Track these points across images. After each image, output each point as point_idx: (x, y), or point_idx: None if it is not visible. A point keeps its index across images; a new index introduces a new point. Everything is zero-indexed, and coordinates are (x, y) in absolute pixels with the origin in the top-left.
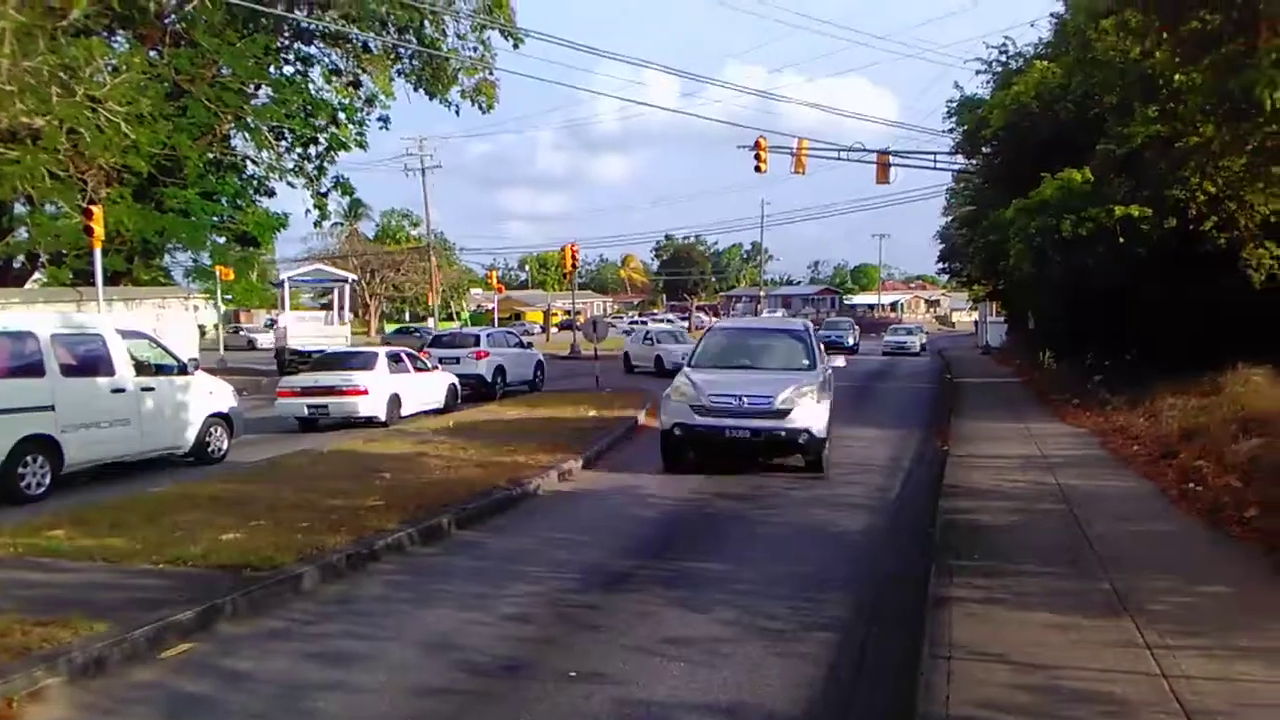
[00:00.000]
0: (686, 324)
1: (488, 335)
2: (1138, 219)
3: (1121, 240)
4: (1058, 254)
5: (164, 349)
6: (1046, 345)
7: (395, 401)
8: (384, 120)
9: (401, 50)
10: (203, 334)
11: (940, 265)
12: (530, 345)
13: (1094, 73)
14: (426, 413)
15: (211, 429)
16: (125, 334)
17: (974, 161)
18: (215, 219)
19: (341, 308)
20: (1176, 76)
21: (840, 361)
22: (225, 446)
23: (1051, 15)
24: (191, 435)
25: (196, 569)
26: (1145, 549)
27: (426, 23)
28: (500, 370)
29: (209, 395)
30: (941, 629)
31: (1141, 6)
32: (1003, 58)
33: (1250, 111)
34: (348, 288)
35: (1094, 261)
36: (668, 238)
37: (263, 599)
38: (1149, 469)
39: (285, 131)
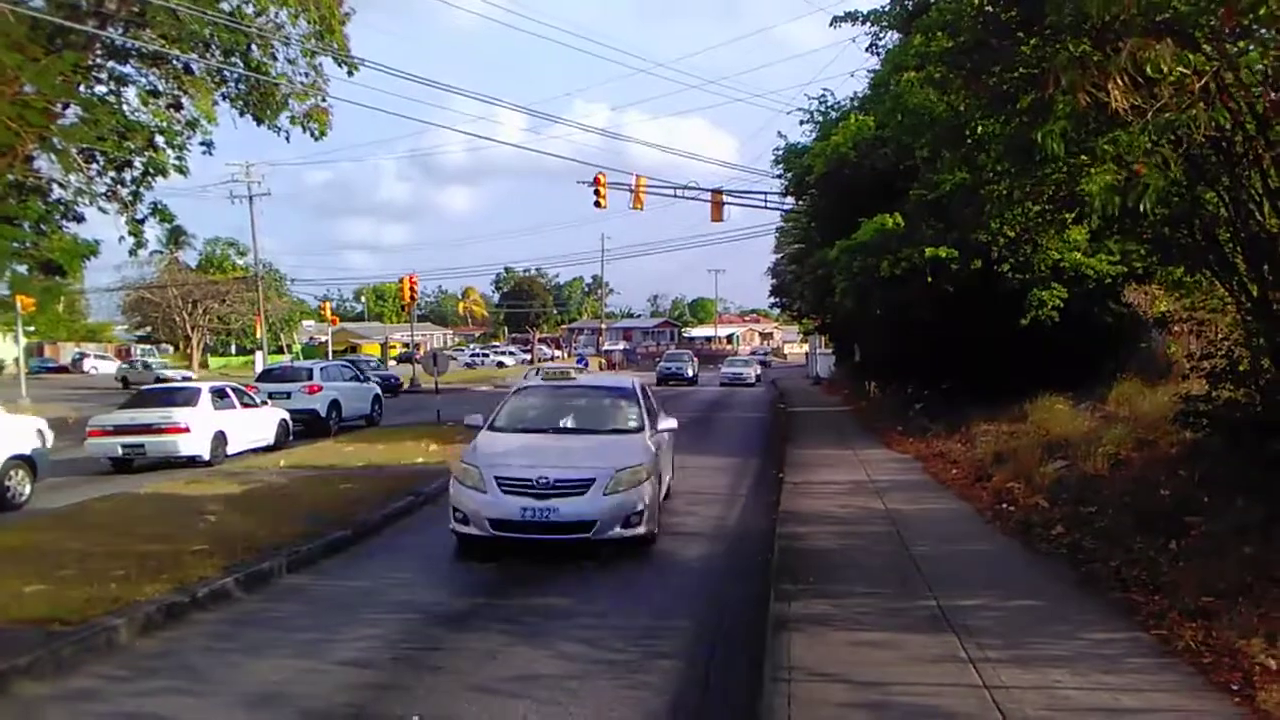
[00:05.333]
0: (529, 356)
1: (321, 369)
2: (946, 259)
3: (930, 280)
4: (878, 291)
5: None
6: (872, 376)
7: (220, 439)
8: (207, 145)
9: (227, 73)
10: (1, 369)
11: (772, 300)
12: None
13: (905, 120)
14: (256, 451)
15: (11, 472)
16: None
17: (801, 203)
18: (16, 245)
19: None
20: (979, 129)
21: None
22: (27, 491)
23: (867, 70)
24: None
25: None
26: (966, 567)
27: (254, 46)
28: (335, 405)
29: (8, 435)
30: (781, 652)
31: (945, 63)
32: (823, 108)
33: (1041, 160)
34: None
35: (910, 298)
36: (508, 270)
37: (71, 656)
38: (966, 491)
39: (96, 154)
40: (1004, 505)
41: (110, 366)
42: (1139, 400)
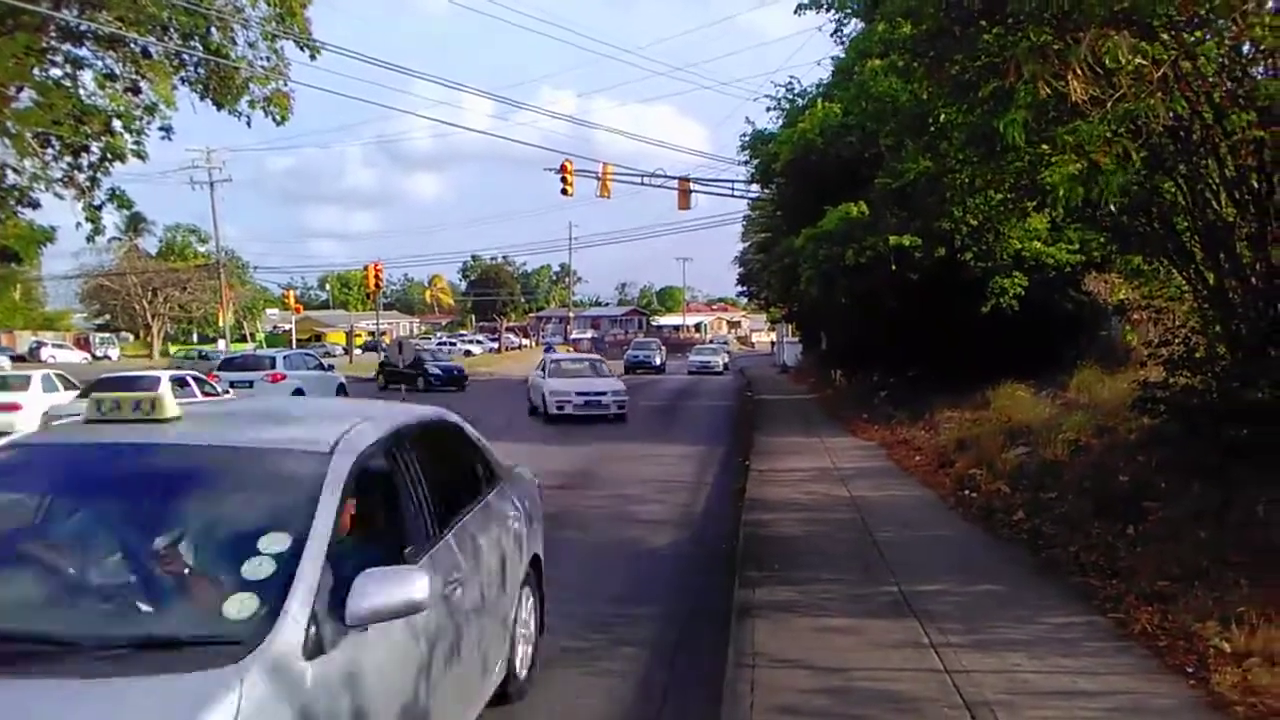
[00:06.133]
0: (496, 345)
1: (284, 357)
2: (910, 248)
3: (895, 268)
4: (843, 279)
5: None
6: (838, 364)
7: None
8: (166, 130)
9: (186, 57)
10: None
11: (740, 288)
12: (332, 368)
13: (870, 107)
14: None
15: None
16: None
17: (767, 191)
18: None
19: None
20: (942, 117)
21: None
22: None
23: (832, 58)
24: None
25: None
26: (928, 553)
27: (213, 29)
28: (299, 394)
29: None
30: (745, 638)
31: (908, 50)
32: (790, 95)
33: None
34: None
35: (874, 287)
36: (475, 258)
37: None
38: (930, 477)
39: (52, 138)
40: (966, 492)
41: (72, 355)
42: (1099, 387)
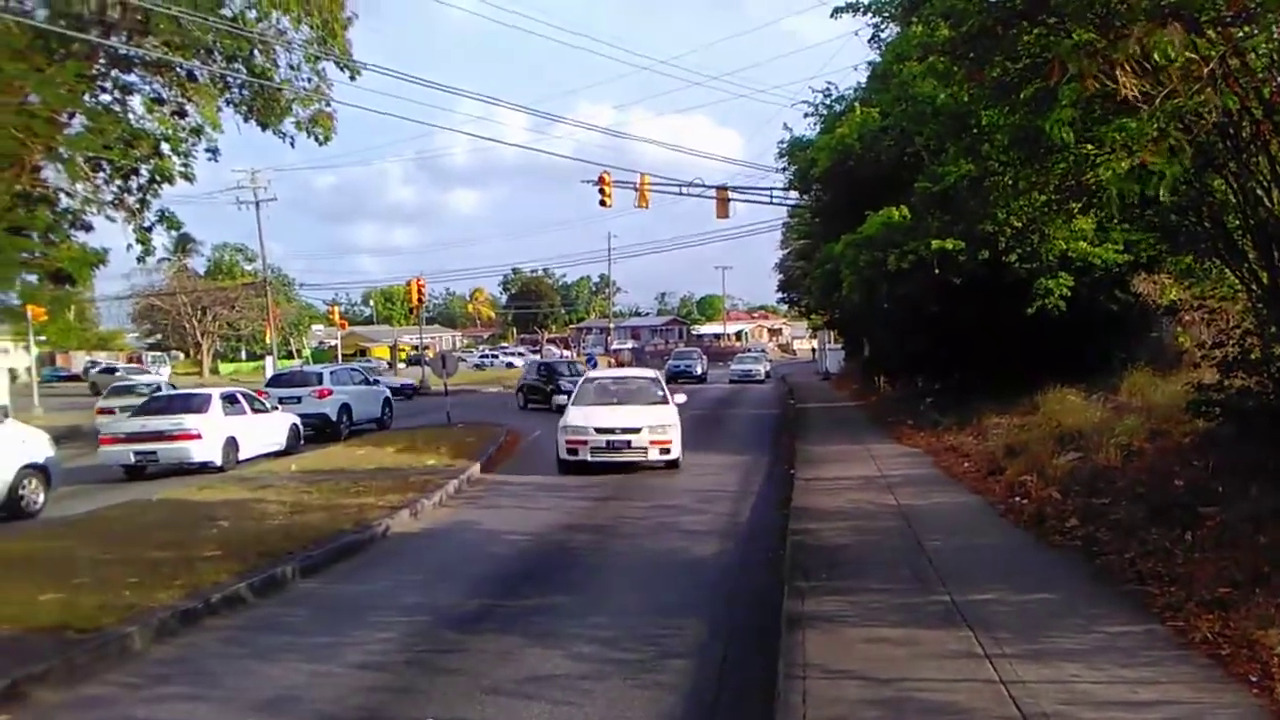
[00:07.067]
0: (539, 356)
1: (331, 372)
2: (952, 251)
3: (938, 271)
4: (885, 285)
5: None
6: (881, 370)
7: (232, 445)
8: (212, 152)
9: (230, 80)
10: (14, 378)
11: (780, 295)
12: (378, 382)
13: (909, 109)
14: (267, 455)
15: (25, 481)
16: None
17: (806, 198)
18: (25, 255)
19: None
20: (983, 119)
21: (681, 399)
22: (41, 500)
23: (869, 62)
24: (2, 488)
25: (9, 633)
26: (979, 561)
27: (256, 52)
28: (346, 409)
29: (21, 444)
30: (796, 648)
31: (948, 53)
32: (827, 101)
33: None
34: None
35: (917, 291)
36: (515, 271)
37: (86, 664)
38: (978, 484)
39: (103, 162)
40: (1017, 498)
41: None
42: (1151, 390)
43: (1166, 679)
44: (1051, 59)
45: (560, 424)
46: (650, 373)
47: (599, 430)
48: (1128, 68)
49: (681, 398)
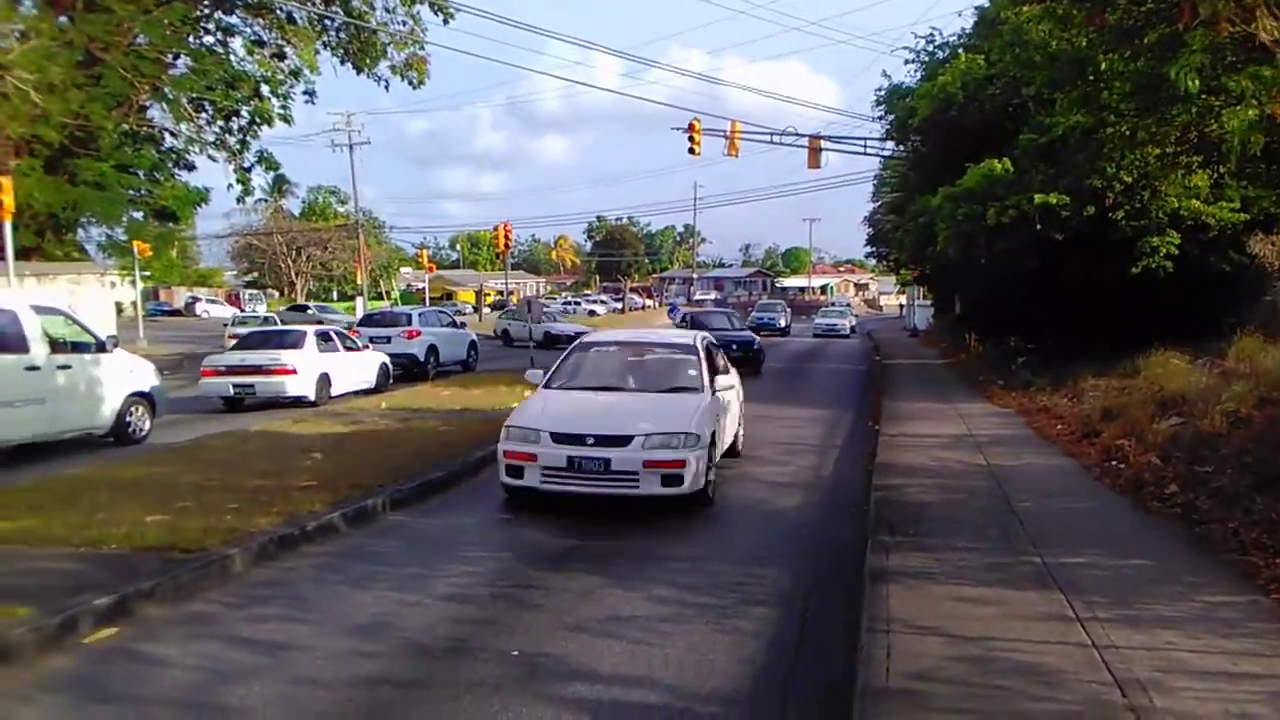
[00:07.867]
0: (620, 305)
1: (419, 314)
2: (1056, 206)
3: (1039, 227)
4: (983, 240)
5: (81, 325)
6: (972, 328)
7: (325, 381)
8: (310, 94)
9: (328, 22)
10: (120, 311)
11: (869, 249)
12: (464, 325)
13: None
14: (357, 393)
15: (132, 408)
16: (40, 310)
17: (902, 148)
18: (131, 193)
19: None
20: (1102, 65)
21: (732, 380)
22: (147, 427)
23: (975, 7)
24: (110, 415)
25: (119, 552)
26: (1071, 524)
27: None
28: (433, 350)
29: (129, 374)
30: (879, 603)
31: None
32: (929, 48)
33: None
34: None
35: (1016, 247)
36: (600, 219)
37: (190, 582)
38: (1073, 447)
39: (205, 104)
40: (1113, 462)
41: (224, 311)
42: (1261, 356)
43: (1271, 652)
44: (1180, 1)
45: (507, 421)
46: (688, 336)
47: (557, 438)
48: (1269, 9)
49: (733, 378)
